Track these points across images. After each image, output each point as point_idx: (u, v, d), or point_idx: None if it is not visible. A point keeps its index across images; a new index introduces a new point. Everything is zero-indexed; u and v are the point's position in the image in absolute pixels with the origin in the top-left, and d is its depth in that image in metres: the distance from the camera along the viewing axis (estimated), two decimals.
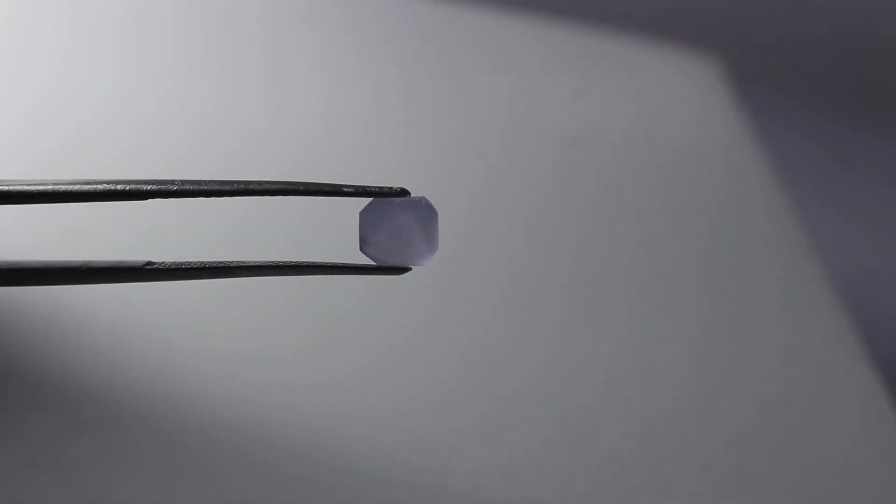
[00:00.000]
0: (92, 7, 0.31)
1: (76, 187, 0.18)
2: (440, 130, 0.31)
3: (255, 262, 0.17)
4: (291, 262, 0.17)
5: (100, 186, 0.18)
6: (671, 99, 0.37)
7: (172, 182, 0.17)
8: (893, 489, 0.24)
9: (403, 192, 0.16)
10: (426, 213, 0.16)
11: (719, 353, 0.26)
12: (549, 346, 0.24)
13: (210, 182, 0.17)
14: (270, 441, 0.20)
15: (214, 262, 0.17)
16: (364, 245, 0.16)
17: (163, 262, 0.17)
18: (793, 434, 0.24)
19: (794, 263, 0.30)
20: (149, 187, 0.17)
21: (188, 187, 0.17)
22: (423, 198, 0.16)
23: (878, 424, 0.25)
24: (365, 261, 0.16)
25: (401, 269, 0.16)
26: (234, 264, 0.17)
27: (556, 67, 0.37)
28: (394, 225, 0.16)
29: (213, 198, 0.18)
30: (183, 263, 0.17)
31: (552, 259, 0.27)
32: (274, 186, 0.17)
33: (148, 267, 0.17)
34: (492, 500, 0.21)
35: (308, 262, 0.16)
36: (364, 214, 0.16)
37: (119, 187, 0.17)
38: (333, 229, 0.21)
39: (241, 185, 0.17)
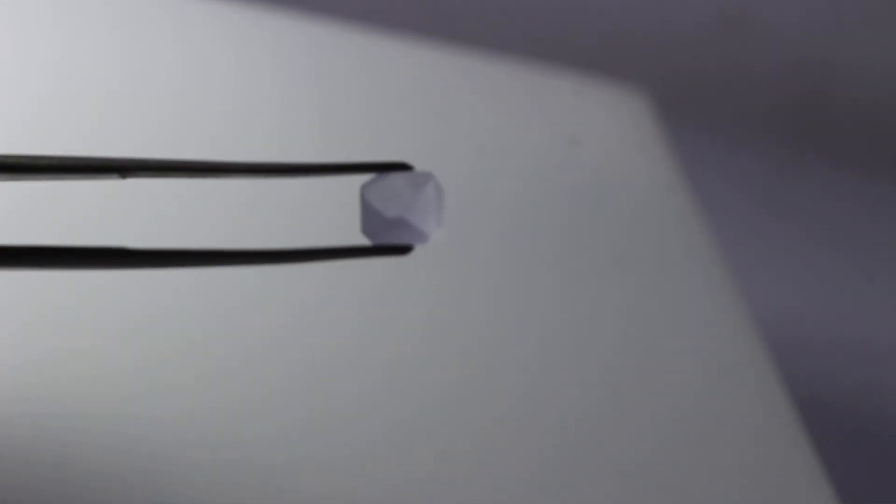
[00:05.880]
0: None
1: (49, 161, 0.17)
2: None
3: (246, 249, 0.16)
4: (287, 249, 0.15)
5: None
6: (595, 132, 0.38)
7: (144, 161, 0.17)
8: None
9: (405, 167, 0.15)
10: (431, 189, 0.15)
11: (636, 387, 0.26)
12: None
13: (193, 162, 0.17)
14: None
15: (201, 248, 0.15)
16: (366, 226, 0.15)
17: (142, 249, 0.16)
18: (708, 472, 0.24)
19: (714, 300, 0.31)
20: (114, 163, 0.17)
21: (167, 165, 0.17)
22: (429, 173, 0.15)
23: (795, 461, 0.26)
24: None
25: (404, 249, 0.15)
26: (223, 251, 0.16)
27: (480, 99, 0.37)
28: (396, 202, 0.15)
29: (199, 178, 0.17)
30: (165, 249, 0.16)
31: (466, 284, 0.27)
32: (269, 167, 0.16)
33: (124, 251, 0.16)
34: None
35: (303, 249, 0.15)
36: (365, 193, 0.15)
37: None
38: (319, 217, 0.20)
39: (231, 166, 0.16)
